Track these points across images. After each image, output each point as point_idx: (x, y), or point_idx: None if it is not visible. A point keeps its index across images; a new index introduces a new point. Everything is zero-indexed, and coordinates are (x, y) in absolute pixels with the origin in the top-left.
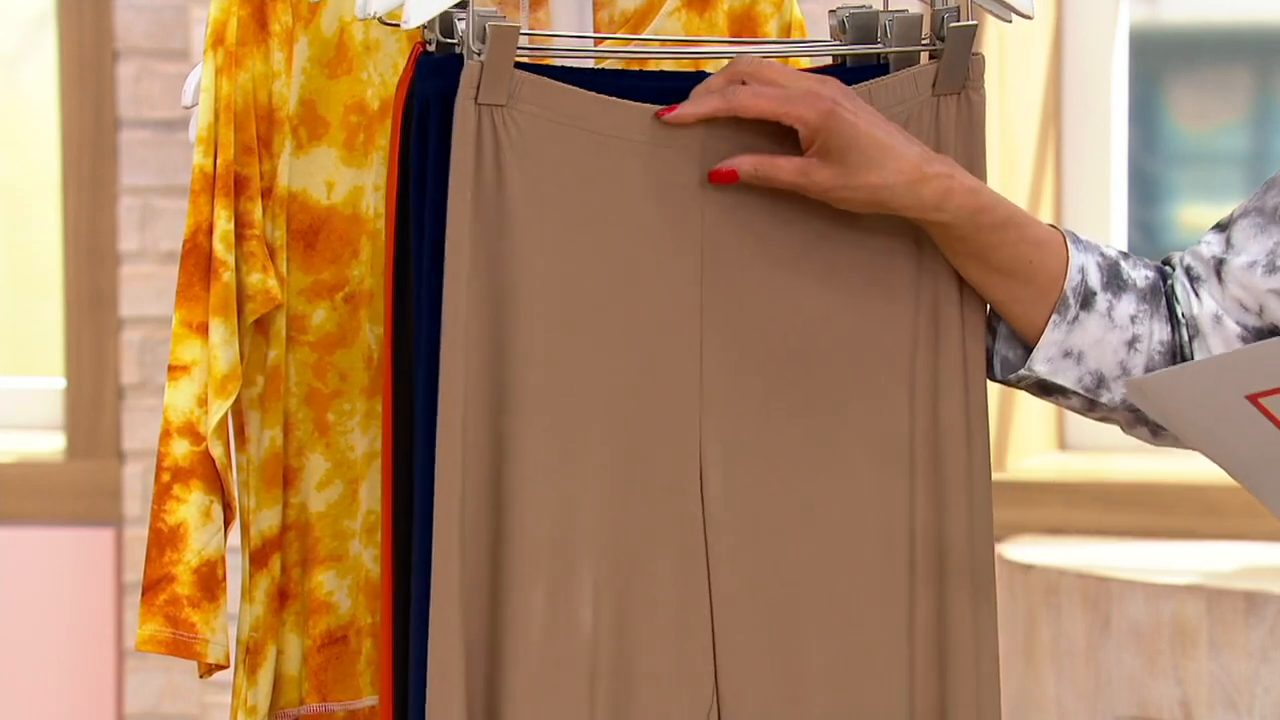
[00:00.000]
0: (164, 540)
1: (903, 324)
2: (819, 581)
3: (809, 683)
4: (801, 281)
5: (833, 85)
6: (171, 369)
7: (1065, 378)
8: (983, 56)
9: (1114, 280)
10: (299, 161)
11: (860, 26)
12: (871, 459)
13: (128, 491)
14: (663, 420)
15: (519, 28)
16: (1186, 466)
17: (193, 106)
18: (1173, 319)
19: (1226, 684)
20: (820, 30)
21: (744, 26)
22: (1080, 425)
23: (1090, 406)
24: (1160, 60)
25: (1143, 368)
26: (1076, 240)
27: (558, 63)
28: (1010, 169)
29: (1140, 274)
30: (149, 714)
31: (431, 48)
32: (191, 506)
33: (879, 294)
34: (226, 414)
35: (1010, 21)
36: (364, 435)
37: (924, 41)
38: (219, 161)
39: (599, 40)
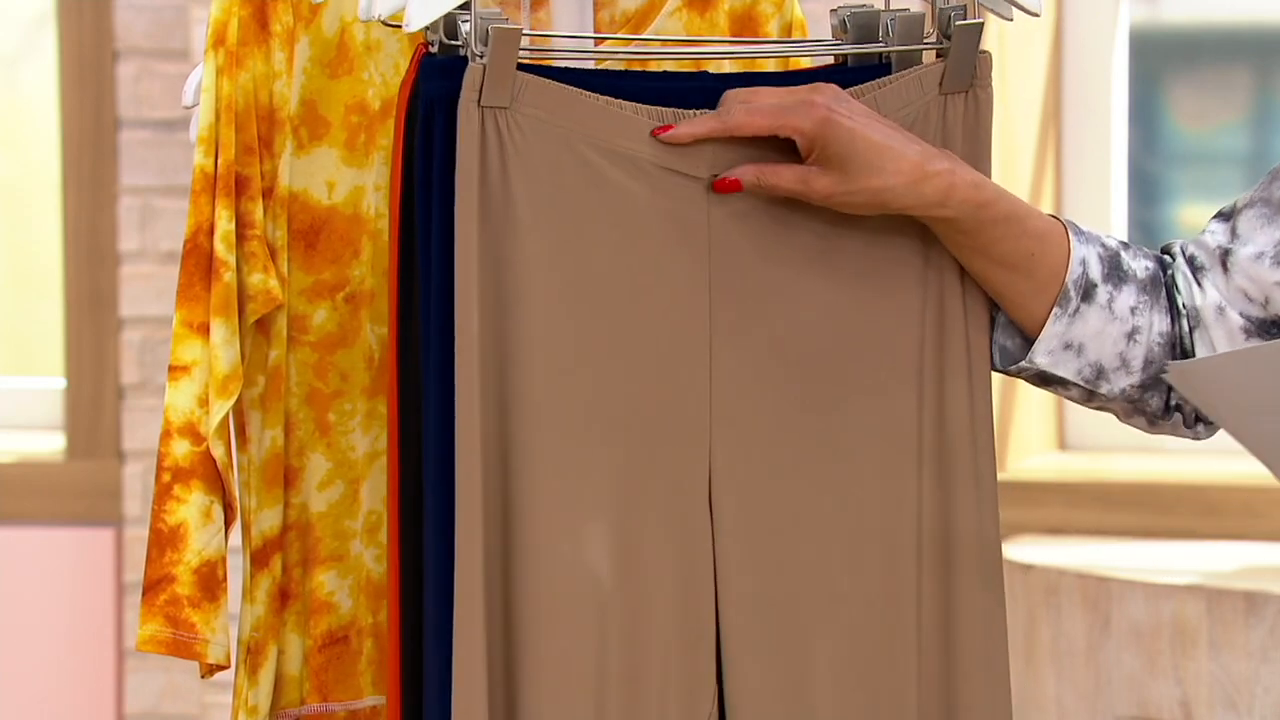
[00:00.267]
0: (164, 540)
1: (909, 324)
2: (827, 584)
3: (815, 684)
4: (808, 283)
5: (828, 92)
6: (172, 369)
7: (1065, 369)
8: (990, 54)
9: (1114, 271)
10: (300, 161)
11: (862, 26)
12: (879, 460)
13: (128, 491)
14: (672, 422)
15: (521, 30)
16: (1186, 466)
17: (193, 106)
18: (1173, 310)
19: (1226, 684)
20: (821, 30)
21: (745, 26)
22: (1080, 425)
23: (1089, 397)
24: (1160, 60)
25: (1142, 359)
26: (1078, 231)
27: (558, 62)
28: (1010, 169)
29: (1140, 264)
30: (149, 714)
31: (434, 49)
32: (192, 507)
33: (885, 294)
34: (228, 414)
35: (1010, 19)
36: (365, 435)
37: (926, 40)
38: (220, 162)
39: (599, 40)
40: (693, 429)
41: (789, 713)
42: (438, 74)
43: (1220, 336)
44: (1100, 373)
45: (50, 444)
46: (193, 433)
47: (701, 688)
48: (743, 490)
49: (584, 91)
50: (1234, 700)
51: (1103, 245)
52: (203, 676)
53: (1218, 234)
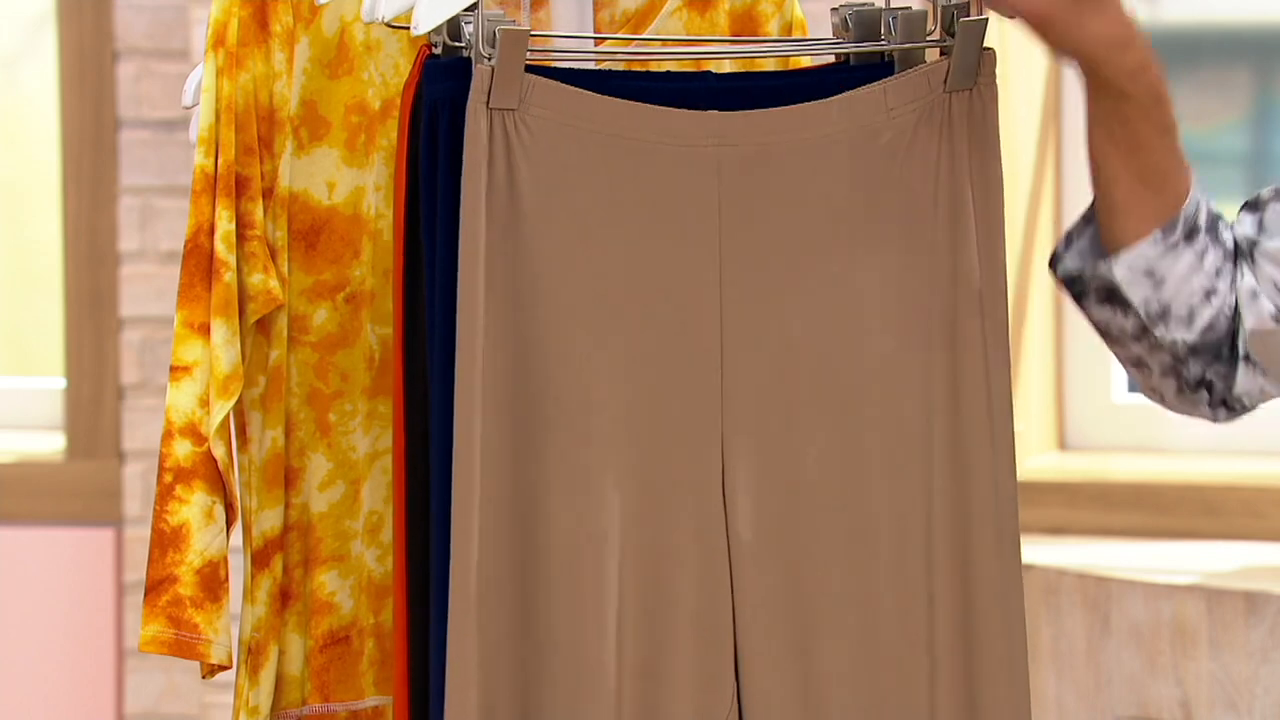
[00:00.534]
0: (166, 541)
1: (923, 313)
2: (841, 583)
3: (829, 682)
4: (820, 280)
5: None
6: (173, 369)
7: (1135, 294)
8: (994, 51)
9: (1214, 229)
10: (300, 162)
11: (864, 24)
12: (892, 458)
13: (128, 491)
14: (684, 420)
15: (529, 31)
16: (1186, 466)
17: (193, 107)
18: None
19: (1226, 684)
20: (821, 29)
21: (745, 26)
22: (1080, 425)
23: (1140, 335)
24: (1160, 60)
25: (1206, 321)
26: (1198, 180)
27: (558, 62)
28: (1010, 169)
29: (1229, 236)
30: (149, 714)
31: (438, 50)
32: (194, 507)
33: (899, 282)
34: (229, 414)
35: (1013, 16)
36: (365, 435)
37: (929, 37)
38: (220, 162)
39: (600, 40)
40: (705, 426)
41: (804, 711)
42: (442, 75)
43: (1250, 320)
44: (1165, 314)
45: (50, 444)
46: (194, 433)
47: (720, 686)
48: (756, 487)
49: (591, 92)
50: (1234, 700)
51: (1210, 203)
52: (204, 677)
53: (1245, 225)
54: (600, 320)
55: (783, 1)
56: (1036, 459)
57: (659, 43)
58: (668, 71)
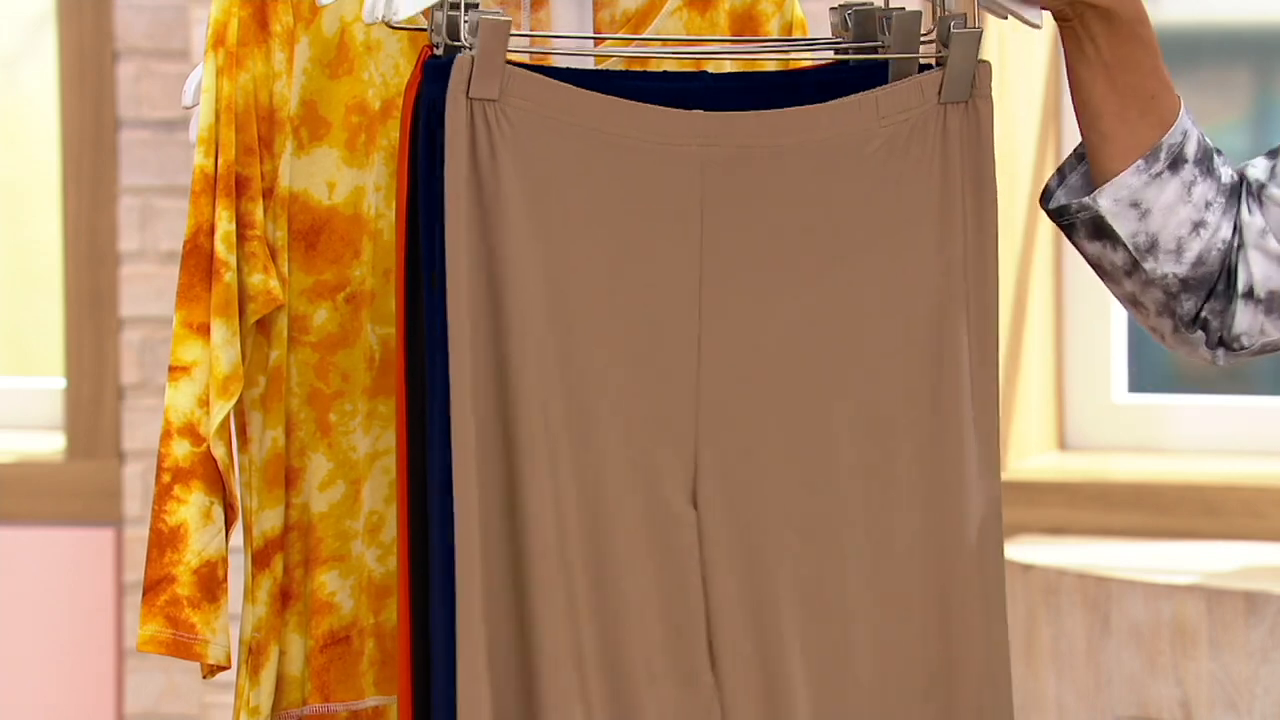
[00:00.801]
0: (164, 541)
1: (906, 312)
2: (815, 587)
3: (796, 681)
4: (801, 284)
5: None
6: (172, 370)
7: (1122, 226)
8: (989, 64)
9: (1205, 161)
10: (300, 162)
11: (862, 22)
12: (865, 461)
13: (128, 491)
14: (657, 420)
15: (510, 21)
16: (1186, 466)
17: (193, 107)
18: (1237, 224)
19: (1226, 684)
20: (821, 29)
21: (745, 26)
22: (1080, 425)
23: (1131, 269)
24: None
25: (1196, 255)
26: (1189, 111)
27: (558, 62)
28: (1010, 169)
29: (1227, 171)
30: (149, 714)
31: (438, 50)
32: (192, 507)
33: (882, 281)
34: (228, 415)
35: (1006, 18)
36: (366, 435)
37: (924, 38)
38: (220, 162)
39: (599, 40)
40: (678, 423)
41: (774, 710)
42: (443, 76)
43: (1257, 259)
44: (1153, 246)
45: (50, 444)
46: (193, 433)
47: (700, 683)
48: (727, 485)
49: (573, 86)
50: (1234, 700)
51: (1203, 136)
52: (204, 677)
53: (1258, 168)
54: (579, 311)
55: (783, 1)
56: (1036, 459)
57: (658, 43)
58: (663, 71)
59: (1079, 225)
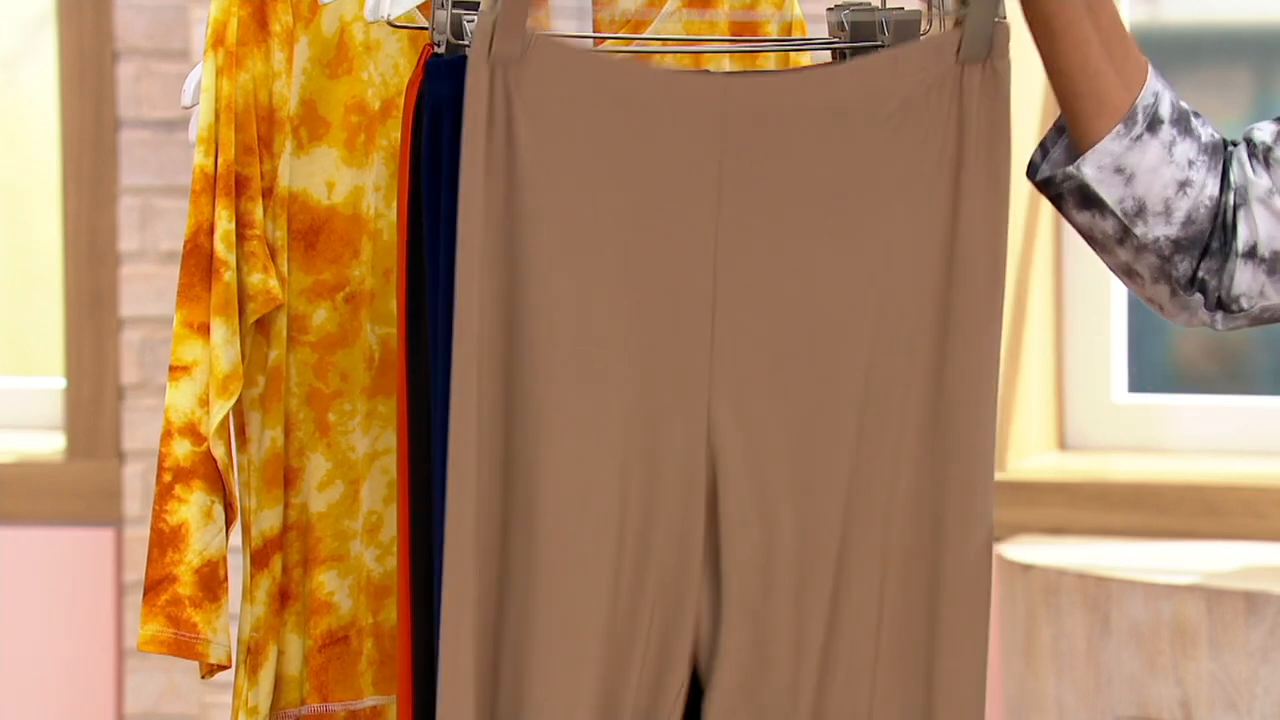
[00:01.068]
0: (165, 540)
1: (915, 289)
2: (822, 542)
3: (807, 646)
4: (817, 242)
5: None
6: (173, 369)
7: (1108, 193)
8: (1008, 24)
9: (1182, 121)
10: (300, 161)
11: (859, 25)
12: (868, 421)
13: (128, 491)
14: (673, 380)
15: None
16: (1186, 466)
17: (193, 106)
18: (1224, 182)
19: (1226, 684)
20: (821, 30)
21: (745, 27)
22: (1080, 425)
23: (1123, 236)
24: (1160, 60)
25: (1185, 214)
26: (1160, 74)
27: None
28: (1010, 168)
29: (1206, 130)
30: (149, 714)
31: (440, 50)
32: (193, 507)
33: (894, 259)
34: (228, 414)
35: None
36: (365, 435)
37: (924, 32)
38: (220, 162)
39: (599, 40)
40: (693, 382)
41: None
42: (445, 75)
43: (1264, 216)
44: (1141, 210)
45: (50, 444)
46: (193, 433)
47: (679, 655)
48: (740, 442)
49: (594, 51)
50: (1234, 700)
51: (1176, 98)
52: (203, 677)
53: (1265, 131)
54: (596, 278)
55: (783, 2)
56: (1036, 459)
57: (658, 42)
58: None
59: (1066, 195)
